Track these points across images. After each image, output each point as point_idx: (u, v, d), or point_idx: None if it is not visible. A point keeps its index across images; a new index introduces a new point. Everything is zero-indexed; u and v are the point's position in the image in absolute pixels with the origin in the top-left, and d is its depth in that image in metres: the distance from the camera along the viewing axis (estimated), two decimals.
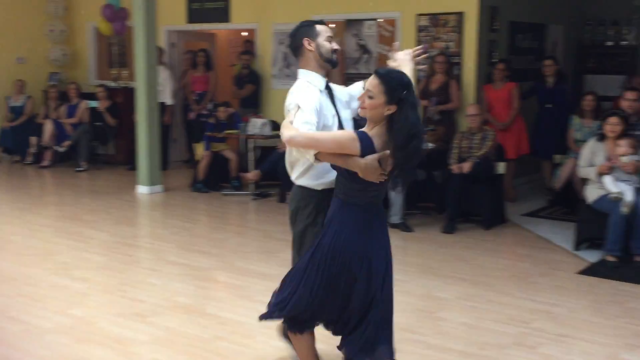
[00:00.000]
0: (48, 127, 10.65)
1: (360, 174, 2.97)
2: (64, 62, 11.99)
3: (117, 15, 10.55)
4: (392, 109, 2.95)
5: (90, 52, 12.16)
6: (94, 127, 10.68)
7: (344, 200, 3.13)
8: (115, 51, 11.38)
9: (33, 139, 10.78)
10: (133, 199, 8.52)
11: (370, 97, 2.97)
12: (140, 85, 8.72)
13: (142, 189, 8.79)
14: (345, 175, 3.07)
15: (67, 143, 10.52)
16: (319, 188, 3.41)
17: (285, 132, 3.09)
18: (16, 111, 11.22)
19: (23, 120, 11.14)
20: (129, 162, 10.44)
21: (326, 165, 3.17)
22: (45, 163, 10.62)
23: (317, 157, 3.06)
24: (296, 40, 3.39)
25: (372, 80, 2.98)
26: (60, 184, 9.61)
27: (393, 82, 2.95)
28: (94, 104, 10.82)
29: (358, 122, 3.40)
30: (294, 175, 3.50)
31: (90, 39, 12.10)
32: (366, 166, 2.94)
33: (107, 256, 6.01)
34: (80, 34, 12.18)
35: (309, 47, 3.34)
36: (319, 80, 3.41)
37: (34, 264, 5.73)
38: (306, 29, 3.42)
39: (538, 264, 5.89)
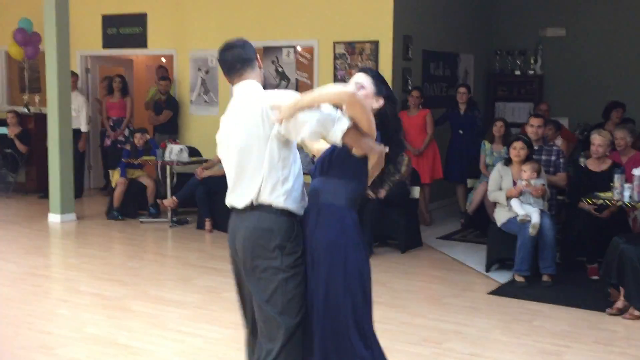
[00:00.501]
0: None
1: (373, 161, 2.97)
2: None
3: (29, 40, 10.28)
4: (380, 101, 3.06)
5: (1, 77, 11.78)
6: (3, 154, 10.30)
7: (350, 208, 3.03)
8: (27, 76, 11.05)
9: None
10: (44, 228, 8.24)
11: (362, 87, 3.04)
12: (52, 111, 8.50)
13: (53, 218, 8.51)
14: (359, 175, 3.02)
15: None
16: (300, 213, 3.03)
17: (347, 89, 2.90)
18: None
19: None
20: (40, 190, 10.13)
21: (301, 182, 3.04)
22: None
23: (344, 138, 2.85)
24: (249, 52, 3.12)
25: (360, 74, 3.10)
26: None
27: (379, 77, 3.13)
28: (3, 130, 10.44)
29: None
30: (277, 197, 2.93)
31: (1, 63, 11.72)
32: (381, 153, 2.97)
33: (13, 287, 5.77)
34: None
35: (259, 63, 3.18)
36: None
37: None
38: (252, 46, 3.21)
39: (451, 286, 6.03)
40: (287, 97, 2.90)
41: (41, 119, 10.40)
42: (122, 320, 5.05)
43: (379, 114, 3.04)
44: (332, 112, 2.84)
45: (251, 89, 3.06)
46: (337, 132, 2.83)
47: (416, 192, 7.51)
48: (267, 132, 2.90)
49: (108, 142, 10.24)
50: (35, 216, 8.85)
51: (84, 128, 10.10)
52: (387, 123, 3.06)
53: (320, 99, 2.85)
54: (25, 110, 10.76)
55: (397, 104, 3.18)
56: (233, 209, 3.05)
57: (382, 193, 7.06)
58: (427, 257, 7.09)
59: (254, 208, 2.95)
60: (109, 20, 10.52)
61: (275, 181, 2.92)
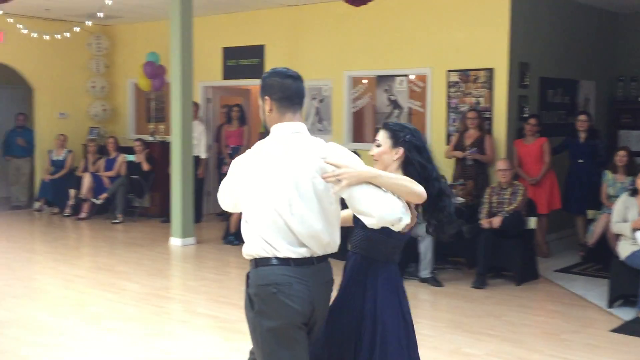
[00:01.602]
0: (86, 180, 10.92)
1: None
2: (103, 116, 12.37)
3: (156, 72, 10.91)
4: (400, 152, 3.00)
5: (130, 107, 12.54)
6: (130, 180, 10.92)
7: (382, 261, 3.00)
8: (153, 106, 11.72)
9: (72, 192, 11.06)
10: (166, 251, 8.64)
11: (378, 146, 3.05)
12: (175, 139, 8.93)
13: (175, 241, 8.91)
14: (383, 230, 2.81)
15: (104, 195, 10.76)
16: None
17: (423, 192, 2.77)
18: (57, 164, 11.57)
19: (63, 173, 11.47)
20: (163, 214, 10.64)
21: None
22: (83, 215, 10.86)
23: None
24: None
25: (380, 132, 3.09)
26: (96, 236, 9.79)
27: (396, 126, 3.07)
28: (131, 157, 11.09)
29: None
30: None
31: (130, 94, 12.49)
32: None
33: (138, 307, 6.08)
34: (120, 90, 12.60)
35: None
36: None
37: (68, 314, 5.83)
38: None
39: (570, 321, 5.79)
40: (347, 157, 2.74)
41: (165, 146, 10.97)
42: (238, 343, 5.18)
43: (404, 163, 3.00)
44: (402, 206, 2.68)
45: (306, 133, 2.82)
46: (402, 226, 2.70)
47: (532, 222, 7.28)
48: (317, 185, 2.70)
49: (225, 169, 10.63)
50: (158, 239, 9.29)
51: (203, 155, 10.54)
52: (412, 168, 2.96)
53: (392, 187, 2.70)
54: (151, 138, 11.38)
55: (422, 145, 3.02)
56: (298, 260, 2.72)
57: (496, 223, 6.91)
58: (545, 290, 6.85)
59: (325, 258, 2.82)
60: (229, 53, 10.98)
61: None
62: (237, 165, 2.85)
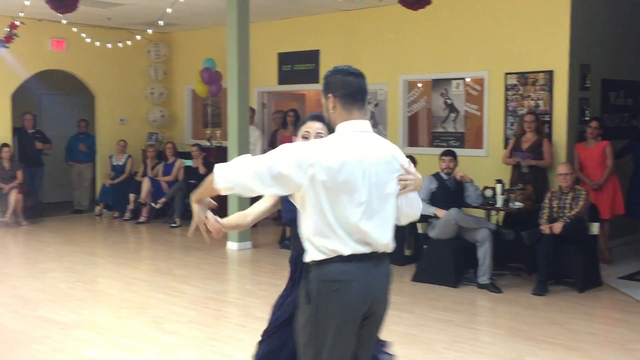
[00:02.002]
0: (145, 185, 11.15)
1: None
2: (161, 122, 12.62)
3: (213, 78, 11.07)
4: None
5: (187, 113, 12.76)
6: (188, 184, 11.10)
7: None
8: (209, 112, 11.89)
9: (131, 196, 11.30)
10: (223, 255, 8.74)
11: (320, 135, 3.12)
12: (232, 144, 9.04)
13: (231, 245, 9.01)
14: None
15: (162, 200, 10.97)
16: None
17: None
18: (117, 169, 11.85)
19: (123, 178, 11.74)
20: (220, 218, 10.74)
21: None
22: (142, 219, 11.09)
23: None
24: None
25: (316, 124, 3.15)
26: (155, 240, 9.98)
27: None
28: (188, 162, 11.28)
29: None
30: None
31: (187, 100, 12.71)
32: None
33: (197, 311, 6.17)
34: (177, 96, 12.83)
35: None
36: None
37: (130, 317, 5.95)
38: None
39: (636, 330, 5.62)
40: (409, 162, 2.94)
41: (222, 151, 11.10)
42: None
43: None
44: None
45: (371, 131, 2.86)
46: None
47: (595, 228, 7.10)
48: (391, 186, 2.82)
49: None
50: (215, 243, 9.37)
51: None
52: None
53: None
54: (208, 143, 11.55)
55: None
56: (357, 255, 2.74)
57: (557, 228, 6.77)
58: (608, 298, 6.67)
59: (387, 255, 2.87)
60: (284, 58, 11.07)
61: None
62: (299, 154, 2.69)
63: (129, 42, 9.88)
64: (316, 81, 10.70)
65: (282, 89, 11.38)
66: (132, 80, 12.48)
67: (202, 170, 10.97)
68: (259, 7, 9.60)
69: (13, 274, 7.59)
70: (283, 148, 2.74)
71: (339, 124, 2.82)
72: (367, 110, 2.92)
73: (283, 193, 2.82)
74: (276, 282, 7.32)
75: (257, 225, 10.39)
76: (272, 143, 11.20)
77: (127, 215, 11.36)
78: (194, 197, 3.03)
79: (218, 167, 2.78)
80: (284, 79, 11.15)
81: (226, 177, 2.75)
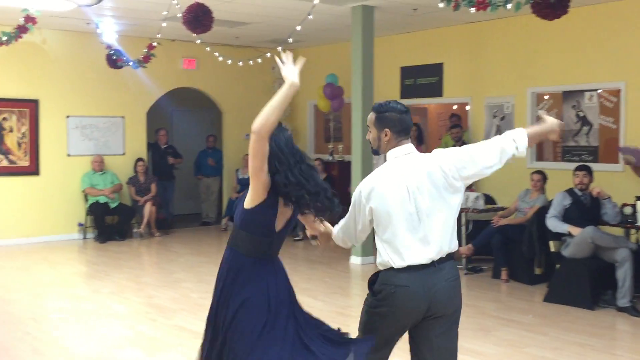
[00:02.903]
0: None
1: None
2: None
3: (335, 93, 11.19)
4: None
5: (309, 128, 12.96)
6: None
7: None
8: (332, 126, 12.02)
9: None
10: (346, 270, 8.77)
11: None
12: (356, 159, 9.07)
13: (355, 260, 9.03)
14: None
15: None
16: None
17: None
18: (243, 183, 12.18)
19: None
20: None
21: None
22: None
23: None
24: None
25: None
26: (279, 253, 10.15)
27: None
28: None
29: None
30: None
31: (310, 115, 12.92)
32: None
33: None
34: (300, 111, 13.07)
35: None
36: None
37: None
38: None
39: None
40: None
41: (343, 165, 11.20)
42: None
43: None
44: None
45: (415, 152, 3.29)
46: None
47: None
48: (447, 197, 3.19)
49: None
50: (338, 257, 9.46)
51: None
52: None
53: None
54: (330, 157, 11.66)
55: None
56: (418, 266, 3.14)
57: None
58: None
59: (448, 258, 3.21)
60: (407, 72, 11.02)
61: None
62: (369, 196, 3.22)
63: (259, 60, 10.17)
64: (439, 95, 10.57)
65: (404, 103, 11.28)
66: (257, 97, 12.81)
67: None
68: (382, 22, 9.62)
69: (149, 283, 7.96)
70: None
71: (389, 150, 3.27)
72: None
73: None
74: None
75: None
76: None
77: None
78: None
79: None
80: (406, 92, 11.10)
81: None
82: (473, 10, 5.60)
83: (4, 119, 10.48)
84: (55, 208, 10.86)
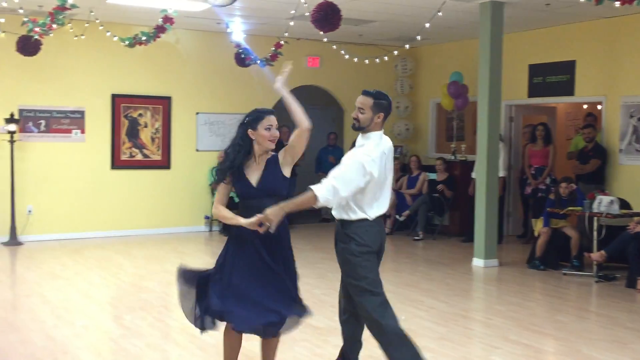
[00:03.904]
0: (391, 197, 11.33)
1: None
2: (406, 136, 12.79)
3: (459, 91, 10.97)
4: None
5: (431, 127, 12.79)
6: (431, 198, 11.10)
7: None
8: (454, 125, 11.80)
9: None
10: (468, 272, 8.58)
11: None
12: (481, 159, 8.85)
13: (477, 262, 8.82)
14: None
15: (406, 213, 11.09)
16: None
17: None
18: None
19: None
20: (462, 233, 10.61)
21: None
22: (386, 230, 11.27)
23: None
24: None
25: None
26: (397, 251, 10.11)
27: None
28: (433, 176, 11.28)
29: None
30: None
31: (432, 114, 12.74)
32: None
33: (447, 327, 6.09)
34: (422, 110, 12.92)
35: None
36: None
37: None
38: None
39: None
40: None
41: (465, 166, 10.98)
42: None
43: None
44: None
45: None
46: None
47: None
48: None
49: (528, 190, 10.28)
50: (459, 259, 9.28)
51: (501, 173, 10.30)
52: None
53: None
54: (452, 157, 11.46)
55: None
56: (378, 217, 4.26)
57: None
58: None
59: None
60: (535, 70, 10.64)
61: None
62: (376, 159, 4.12)
63: (386, 58, 10.15)
64: (571, 93, 10.13)
65: (532, 102, 10.93)
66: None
67: (447, 193, 10.92)
68: (511, 18, 9.33)
69: None
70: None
71: (378, 131, 4.21)
72: None
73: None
74: (528, 304, 7.01)
75: (501, 242, 10.05)
76: (522, 158, 10.83)
77: None
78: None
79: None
80: (534, 91, 10.71)
81: None
82: (617, 4, 5.29)
83: (140, 115, 11.05)
84: (184, 201, 11.33)
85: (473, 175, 10.10)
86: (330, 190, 3.98)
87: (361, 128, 4.18)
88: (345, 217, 4.23)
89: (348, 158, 4.10)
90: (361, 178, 4.02)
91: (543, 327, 6.12)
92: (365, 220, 4.18)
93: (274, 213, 3.89)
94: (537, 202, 9.47)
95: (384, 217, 4.39)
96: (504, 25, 8.78)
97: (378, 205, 4.21)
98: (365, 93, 4.19)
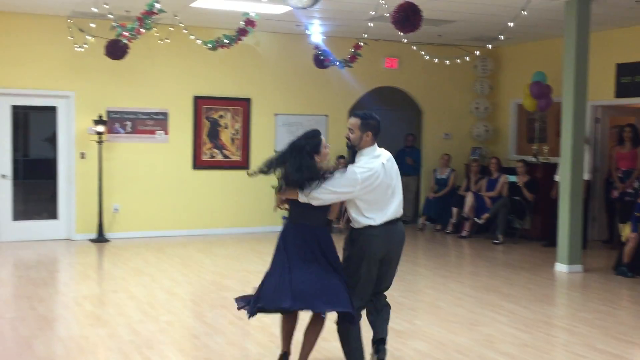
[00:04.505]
0: (469, 199, 11.17)
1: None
2: (486, 137, 12.56)
3: (543, 92, 10.70)
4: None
5: (511, 128, 12.51)
6: (512, 201, 10.86)
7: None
8: (536, 127, 11.51)
9: (454, 210, 11.42)
10: (551, 277, 8.35)
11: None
12: (565, 161, 8.60)
13: (560, 267, 8.58)
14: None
15: (485, 216, 10.88)
16: None
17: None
18: (440, 183, 12.08)
19: (446, 191, 11.93)
20: (544, 238, 10.34)
21: None
22: (464, 233, 11.13)
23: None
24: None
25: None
26: (477, 255, 9.94)
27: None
28: (513, 178, 11.04)
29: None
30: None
31: (512, 115, 12.47)
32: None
33: (530, 334, 5.94)
34: (502, 111, 12.66)
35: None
36: None
37: (461, 332, 5.96)
38: None
39: None
40: None
41: (548, 168, 10.69)
42: None
43: None
44: None
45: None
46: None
47: None
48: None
49: (615, 193, 9.91)
50: (541, 264, 9.05)
51: (585, 176, 9.97)
52: None
53: None
54: (534, 159, 11.17)
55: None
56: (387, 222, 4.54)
57: None
58: None
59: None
60: (623, 69, 10.25)
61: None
62: (374, 177, 4.47)
63: (467, 58, 9.99)
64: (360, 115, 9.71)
65: (620, 102, 10.53)
66: (458, 96, 12.65)
67: (529, 197, 10.66)
68: (598, 16, 9.02)
69: None
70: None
71: (368, 147, 4.53)
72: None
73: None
74: (615, 312, 6.77)
75: (585, 247, 9.73)
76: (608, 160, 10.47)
77: (450, 228, 11.50)
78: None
79: None
80: (622, 91, 10.32)
81: None
82: None
83: (221, 116, 11.28)
84: (262, 201, 11.48)
85: (556, 177, 9.81)
86: (316, 189, 4.34)
87: (353, 146, 4.54)
88: (352, 224, 4.57)
89: (341, 172, 4.47)
90: (349, 189, 4.37)
91: (632, 337, 5.89)
92: (370, 227, 4.49)
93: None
94: (625, 207, 9.13)
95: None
96: (590, 23, 8.50)
97: (385, 213, 4.51)
98: (354, 115, 4.56)
